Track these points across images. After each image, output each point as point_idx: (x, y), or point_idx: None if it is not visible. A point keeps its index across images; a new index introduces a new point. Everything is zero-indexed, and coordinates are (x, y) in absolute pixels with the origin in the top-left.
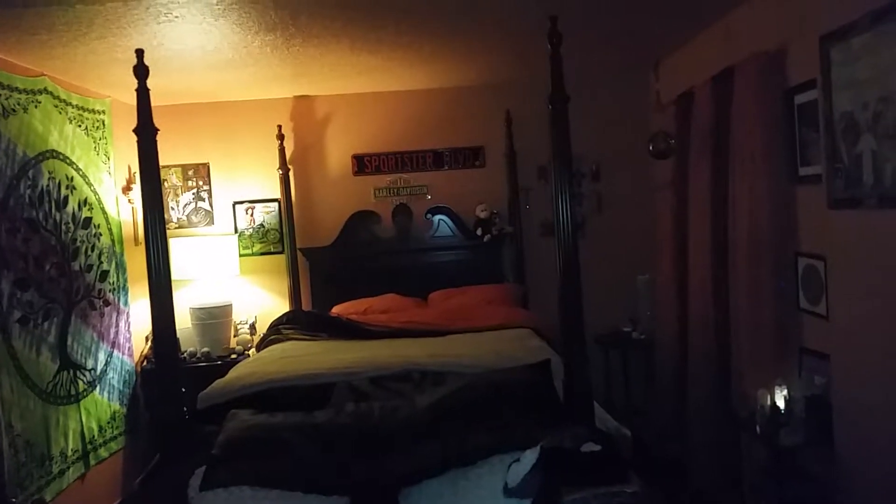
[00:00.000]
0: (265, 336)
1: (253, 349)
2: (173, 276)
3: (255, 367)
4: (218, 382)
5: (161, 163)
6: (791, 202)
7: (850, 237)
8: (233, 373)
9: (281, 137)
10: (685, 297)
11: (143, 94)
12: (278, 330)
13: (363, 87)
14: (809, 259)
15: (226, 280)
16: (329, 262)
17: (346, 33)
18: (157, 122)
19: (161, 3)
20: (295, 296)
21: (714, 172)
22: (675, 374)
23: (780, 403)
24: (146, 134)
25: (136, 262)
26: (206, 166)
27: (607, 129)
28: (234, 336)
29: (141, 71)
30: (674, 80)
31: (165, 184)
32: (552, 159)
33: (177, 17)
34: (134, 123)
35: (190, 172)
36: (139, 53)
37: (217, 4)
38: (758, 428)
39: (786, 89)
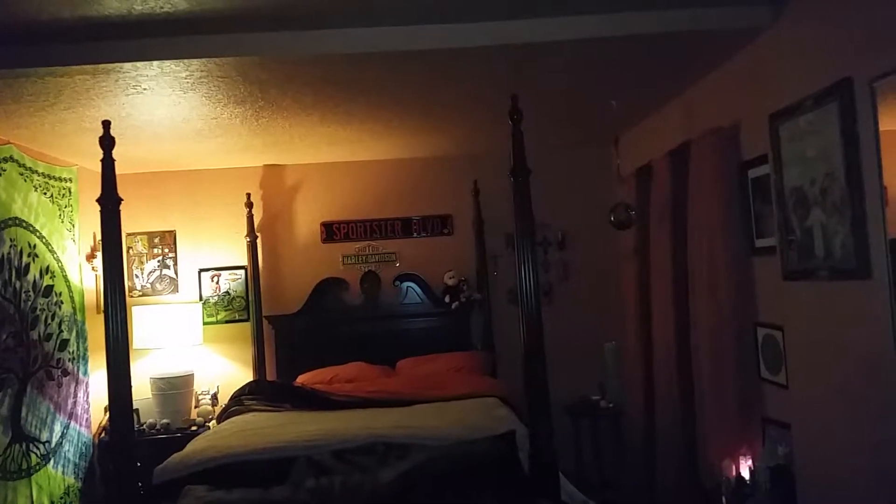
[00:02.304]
0: (227, 407)
1: (214, 421)
2: (135, 346)
3: (213, 440)
4: (175, 456)
5: (127, 230)
6: (749, 273)
7: (804, 308)
8: (191, 446)
9: (249, 205)
10: (651, 366)
11: (108, 165)
12: (240, 401)
13: (333, 157)
14: (768, 329)
15: (189, 349)
16: (295, 329)
17: (316, 107)
18: (124, 189)
19: (130, 76)
20: (259, 365)
21: (674, 243)
22: (644, 444)
23: (745, 474)
24: (109, 204)
25: (98, 331)
26: (173, 233)
27: (572, 199)
28: (196, 407)
29: (107, 142)
30: (633, 154)
31: (130, 251)
32: (515, 229)
33: (145, 89)
34: (100, 191)
35: (156, 240)
36: (105, 125)
37: (186, 78)
38: (724, 499)
39: (740, 163)
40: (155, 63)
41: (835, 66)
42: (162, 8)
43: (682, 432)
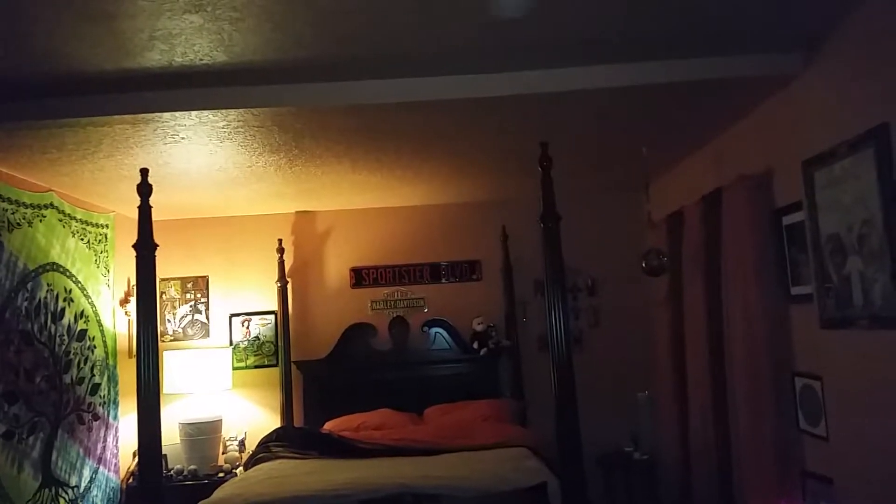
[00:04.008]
0: (254, 454)
1: (241, 467)
2: (165, 391)
3: (240, 488)
4: None
5: (161, 276)
6: (785, 321)
7: (844, 357)
8: (217, 493)
9: (281, 251)
10: (686, 416)
11: (144, 212)
12: (267, 448)
13: (363, 203)
14: (806, 379)
15: (218, 394)
16: (323, 375)
17: (348, 154)
18: (159, 235)
19: (168, 125)
20: (287, 410)
21: (707, 290)
22: (680, 498)
23: None
24: (145, 251)
25: (129, 375)
26: (206, 279)
27: (603, 245)
28: (223, 453)
29: (144, 189)
30: (665, 200)
31: (163, 296)
32: (545, 275)
33: (183, 138)
34: (136, 237)
35: (189, 285)
36: (143, 172)
37: (223, 127)
38: None
39: (773, 210)
40: (193, 113)
41: (869, 111)
42: (201, 60)
43: (719, 485)
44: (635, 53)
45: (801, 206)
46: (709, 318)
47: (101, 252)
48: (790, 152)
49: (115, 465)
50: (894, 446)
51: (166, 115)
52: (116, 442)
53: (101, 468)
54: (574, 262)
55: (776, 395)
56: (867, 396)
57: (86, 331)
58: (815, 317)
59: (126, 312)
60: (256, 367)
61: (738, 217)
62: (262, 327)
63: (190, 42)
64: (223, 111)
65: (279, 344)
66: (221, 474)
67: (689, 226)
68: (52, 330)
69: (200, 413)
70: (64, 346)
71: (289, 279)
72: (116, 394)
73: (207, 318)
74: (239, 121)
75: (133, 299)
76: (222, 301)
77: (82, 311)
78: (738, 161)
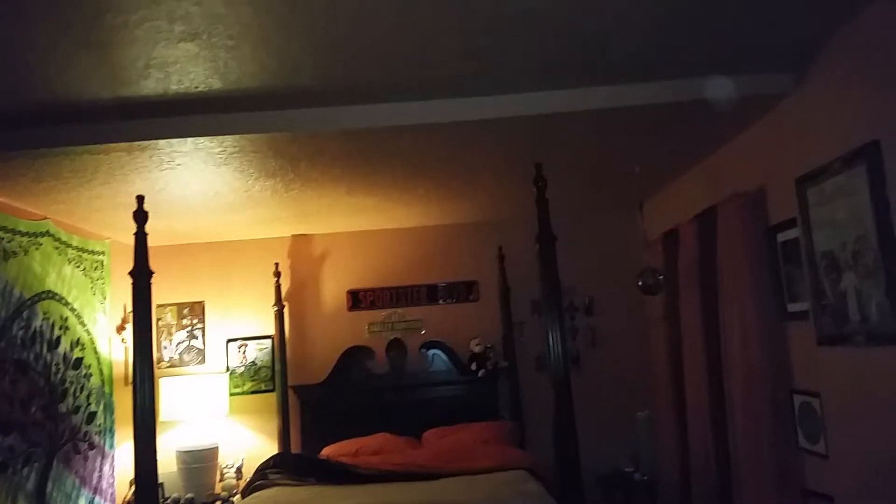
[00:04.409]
0: (251, 481)
1: (238, 495)
2: (162, 418)
3: None
4: None
5: (157, 302)
6: (782, 338)
7: (841, 374)
8: None
9: (277, 275)
10: (685, 435)
11: (140, 238)
12: (265, 475)
13: (359, 226)
14: (804, 396)
15: (214, 421)
16: (321, 399)
17: (344, 177)
18: (155, 262)
19: (164, 152)
20: (284, 436)
21: (704, 308)
22: None
23: None
24: (141, 278)
25: (126, 402)
26: (202, 304)
27: (599, 264)
28: (220, 480)
29: (140, 216)
30: (660, 218)
31: (160, 322)
32: (542, 295)
33: (179, 164)
34: (132, 264)
35: (185, 311)
36: (139, 200)
37: (219, 153)
38: None
39: (768, 227)
40: (189, 139)
41: (861, 129)
42: (197, 88)
43: None
44: (628, 74)
45: (796, 223)
46: (706, 336)
47: (98, 279)
48: (783, 170)
49: (112, 494)
50: (894, 463)
51: (162, 142)
52: (113, 471)
53: (97, 498)
54: (571, 282)
55: (774, 413)
56: (865, 413)
57: (82, 359)
58: (811, 333)
59: (122, 339)
60: (253, 392)
61: (732, 235)
62: (258, 352)
63: (185, 70)
64: (219, 137)
65: (276, 369)
66: (218, 502)
67: (684, 244)
68: (48, 359)
69: (197, 440)
70: (59, 375)
71: (285, 303)
72: (112, 422)
73: (204, 343)
74: (235, 146)
75: (129, 326)
76: (219, 326)
77: (78, 339)
78: (732, 179)
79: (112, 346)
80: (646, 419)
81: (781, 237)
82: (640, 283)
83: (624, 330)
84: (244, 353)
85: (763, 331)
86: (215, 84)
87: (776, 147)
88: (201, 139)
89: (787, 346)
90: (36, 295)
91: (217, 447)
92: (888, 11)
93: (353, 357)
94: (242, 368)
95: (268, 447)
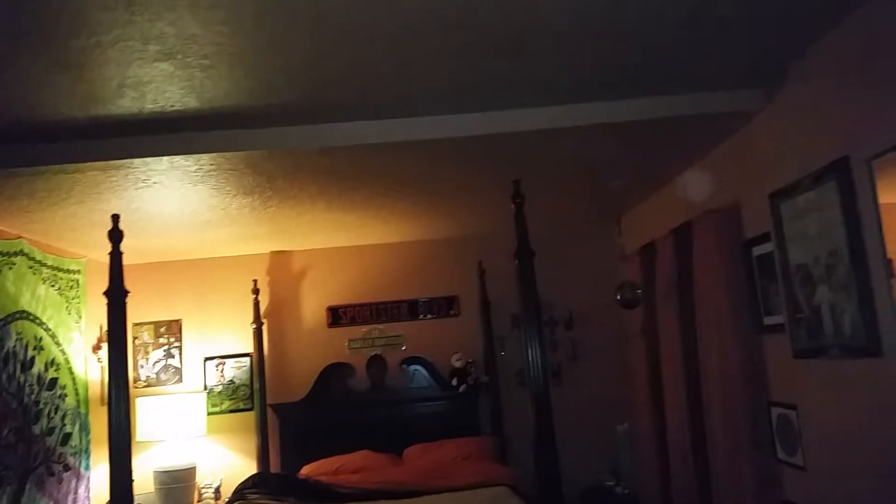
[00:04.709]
0: (229, 502)
1: None
2: (139, 438)
3: None
4: None
5: (134, 320)
6: (758, 351)
7: (817, 387)
8: None
9: (256, 292)
10: (665, 448)
11: (115, 258)
12: (243, 495)
13: (339, 242)
14: (781, 408)
15: (192, 440)
16: (300, 417)
17: (322, 194)
18: (131, 280)
19: (140, 171)
20: (263, 455)
21: (682, 321)
22: None
23: None
24: (116, 297)
25: (102, 423)
26: (179, 323)
27: (578, 278)
28: (199, 501)
29: (115, 236)
30: (637, 232)
31: (136, 341)
32: (521, 311)
33: (155, 182)
34: (108, 283)
35: (162, 329)
36: (114, 219)
37: (195, 171)
38: None
39: (743, 241)
40: (165, 158)
41: (831, 145)
42: (172, 107)
43: None
44: (605, 93)
45: (770, 238)
46: (684, 349)
47: (73, 298)
48: (757, 185)
49: None
50: (869, 474)
51: (137, 160)
52: (88, 493)
53: None
54: (551, 296)
55: (752, 425)
56: (841, 425)
57: (56, 379)
58: (787, 346)
59: (98, 359)
60: (231, 411)
61: (708, 249)
62: (236, 370)
63: (161, 89)
64: (195, 155)
65: (254, 387)
66: None
67: (661, 258)
68: (21, 380)
69: (174, 460)
70: (33, 396)
71: (264, 320)
72: (88, 443)
73: (181, 362)
74: (211, 164)
75: (105, 346)
76: (196, 345)
77: (53, 360)
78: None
79: (88, 366)
80: (626, 432)
81: (757, 251)
82: (618, 297)
83: (604, 343)
84: (222, 371)
85: (740, 344)
86: (191, 103)
87: (750, 163)
88: (177, 157)
89: (763, 359)
90: (9, 315)
91: (195, 467)
92: (856, 30)
93: (333, 374)
94: (220, 387)
95: (246, 467)
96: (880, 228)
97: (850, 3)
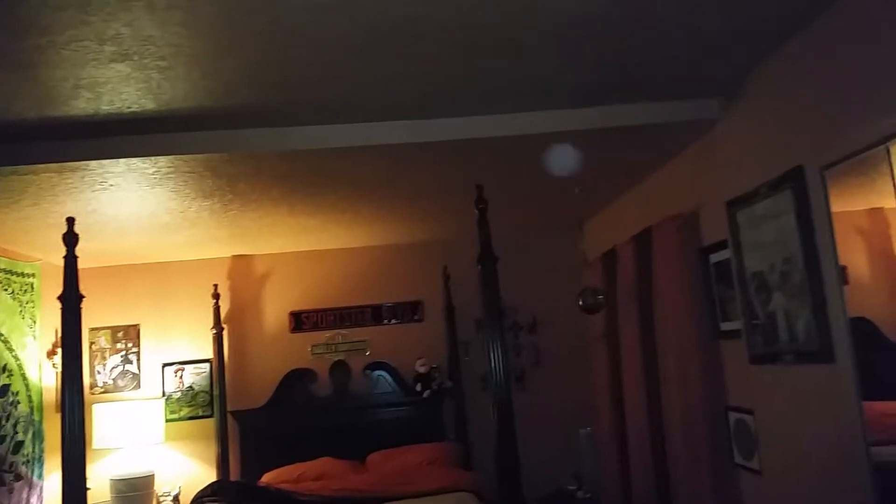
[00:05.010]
0: None
1: None
2: (95, 445)
3: None
4: None
5: (90, 325)
6: (716, 356)
7: (773, 392)
8: None
9: (216, 296)
10: (626, 452)
11: (70, 262)
12: (202, 503)
13: (302, 246)
14: (739, 413)
15: (150, 447)
16: (261, 424)
17: (285, 198)
18: (88, 284)
19: (96, 173)
20: (223, 463)
21: (642, 326)
22: None
23: None
24: (71, 302)
25: (57, 430)
26: (137, 328)
27: (542, 283)
28: None
29: (70, 239)
30: (600, 238)
31: (93, 346)
32: (483, 316)
33: (112, 185)
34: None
35: (119, 334)
36: (69, 222)
37: (153, 174)
38: None
39: (701, 248)
40: (122, 160)
41: (786, 155)
42: (129, 108)
43: None
44: (566, 101)
45: (727, 245)
46: (644, 353)
47: (27, 302)
48: (714, 193)
49: None
50: (822, 479)
51: (93, 163)
52: (41, 502)
53: None
54: (515, 300)
55: (711, 430)
56: (795, 430)
57: (9, 386)
58: (744, 352)
59: (53, 364)
60: (190, 418)
61: (667, 255)
62: (196, 376)
63: (117, 90)
64: (153, 158)
65: (214, 393)
66: None
67: (622, 264)
68: None
69: (132, 468)
70: None
71: (224, 325)
72: (42, 451)
73: (139, 368)
74: (170, 167)
75: (60, 351)
76: (154, 350)
77: (5, 366)
78: (667, 201)
79: (43, 372)
80: (588, 435)
81: (714, 258)
82: (580, 303)
83: (567, 348)
84: (181, 377)
85: (698, 349)
86: (148, 104)
87: (707, 171)
88: (134, 160)
89: (721, 364)
90: None
91: (153, 475)
92: (809, 41)
93: (296, 380)
94: (179, 393)
95: (206, 474)
96: (833, 236)
97: (804, 16)
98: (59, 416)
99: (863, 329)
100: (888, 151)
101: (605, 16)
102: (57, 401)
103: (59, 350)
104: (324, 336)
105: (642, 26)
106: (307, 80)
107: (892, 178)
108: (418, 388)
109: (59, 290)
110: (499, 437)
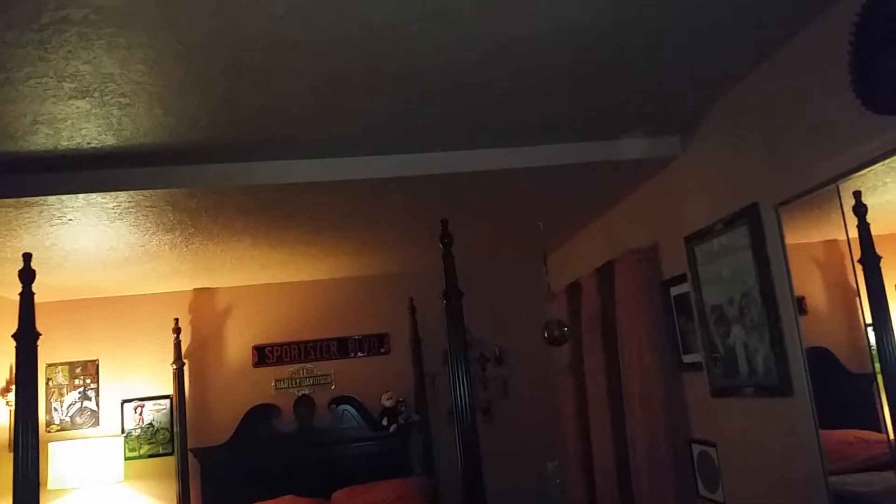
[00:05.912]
0: None
1: None
2: (51, 486)
3: None
4: None
5: (47, 361)
6: (678, 389)
7: (734, 425)
8: None
9: (177, 331)
10: (593, 484)
11: (26, 299)
12: None
13: (266, 279)
14: (702, 446)
15: (108, 487)
16: (223, 462)
17: (247, 231)
18: (46, 318)
19: (55, 208)
20: (184, 502)
21: (606, 359)
22: None
23: None
24: (26, 339)
25: (9, 470)
26: (95, 363)
27: (508, 315)
28: None
29: (27, 276)
30: (564, 271)
31: (50, 382)
32: (448, 350)
33: (71, 220)
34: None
35: (77, 370)
36: (26, 258)
37: (113, 208)
38: None
39: (661, 281)
40: (81, 196)
41: (741, 192)
42: (89, 144)
43: None
44: (527, 138)
45: (686, 279)
46: (609, 386)
47: None
48: (673, 228)
49: None
50: None
51: (52, 198)
52: None
53: None
54: (481, 333)
55: (675, 462)
56: (757, 462)
57: None
58: (706, 385)
59: (7, 402)
60: (150, 456)
61: (628, 288)
62: (156, 413)
63: (77, 126)
64: (113, 193)
65: (175, 430)
66: None
67: (586, 296)
68: None
69: None
70: None
71: (186, 360)
72: None
73: (97, 404)
74: (130, 202)
75: (14, 388)
76: (114, 386)
77: None
78: (627, 235)
79: None
80: (555, 468)
81: (674, 291)
82: (545, 335)
83: (534, 380)
84: (141, 414)
85: (660, 381)
86: (108, 140)
87: (666, 206)
88: (94, 195)
89: (683, 397)
90: None
91: None
92: (763, 81)
93: (259, 416)
94: (139, 431)
95: None
96: (789, 272)
97: (757, 56)
98: (11, 456)
99: (822, 358)
100: (838, 189)
101: (565, 54)
102: (10, 440)
103: (14, 387)
104: (288, 370)
105: (600, 64)
106: (269, 116)
107: (842, 215)
108: (385, 422)
109: (15, 326)
110: (464, 471)
